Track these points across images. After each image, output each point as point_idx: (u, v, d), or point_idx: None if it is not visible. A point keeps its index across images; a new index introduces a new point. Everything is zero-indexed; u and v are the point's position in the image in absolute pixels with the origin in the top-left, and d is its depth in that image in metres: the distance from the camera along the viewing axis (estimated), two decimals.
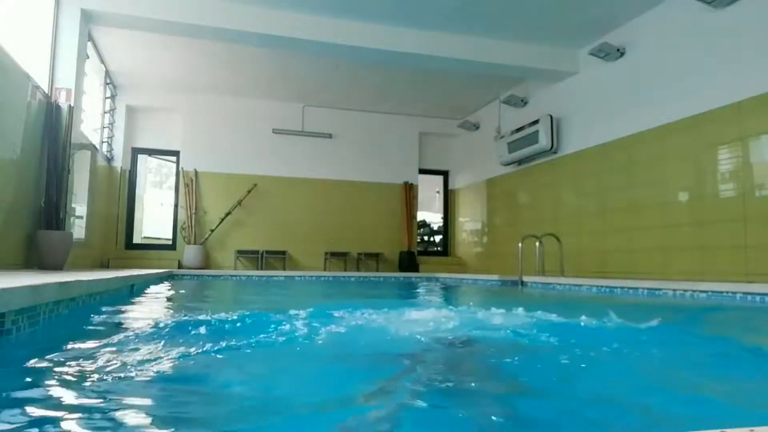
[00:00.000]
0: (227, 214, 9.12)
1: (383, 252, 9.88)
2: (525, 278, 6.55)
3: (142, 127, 9.20)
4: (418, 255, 10.31)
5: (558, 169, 7.49)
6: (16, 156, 4.63)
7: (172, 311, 3.39)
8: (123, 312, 3.14)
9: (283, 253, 9.30)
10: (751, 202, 4.71)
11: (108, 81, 8.20)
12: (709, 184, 5.13)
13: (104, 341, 2.04)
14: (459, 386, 1.49)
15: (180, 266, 8.78)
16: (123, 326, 2.53)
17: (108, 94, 8.28)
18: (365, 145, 10.11)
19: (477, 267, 9.76)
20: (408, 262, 9.76)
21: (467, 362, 1.87)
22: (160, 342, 2.12)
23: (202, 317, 3.16)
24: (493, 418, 1.15)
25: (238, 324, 2.97)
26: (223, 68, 8.08)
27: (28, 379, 1.40)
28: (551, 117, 7.43)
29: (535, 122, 7.61)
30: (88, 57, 6.41)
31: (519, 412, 1.21)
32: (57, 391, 1.30)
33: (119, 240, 8.85)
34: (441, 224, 11.21)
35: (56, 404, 1.18)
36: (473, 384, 1.53)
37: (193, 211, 9.02)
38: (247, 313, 3.56)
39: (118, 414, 1.09)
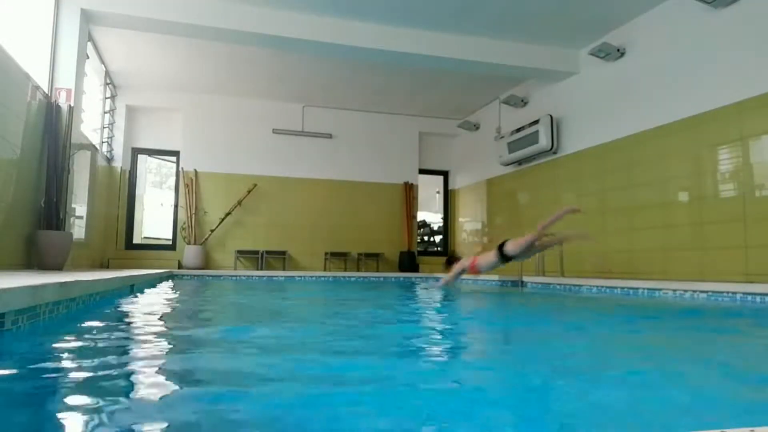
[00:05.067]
0: (227, 215, 9.12)
1: (383, 252, 9.88)
2: (525, 278, 6.55)
3: (142, 127, 9.20)
4: (418, 255, 10.32)
5: (558, 169, 7.49)
6: (16, 156, 4.63)
7: (171, 311, 3.39)
8: (123, 312, 3.14)
9: (283, 253, 9.30)
10: (751, 202, 4.71)
11: (108, 81, 8.20)
12: (709, 184, 5.13)
13: (104, 342, 2.04)
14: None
15: (180, 266, 8.78)
16: (123, 326, 2.53)
17: (108, 94, 8.28)
18: (365, 145, 10.11)
19: None
20: (408, 262, 9.76)
21: None
22: (159, 342, 2.12)
23: (200, 317, 3.16)
24: None
25: (238, 323, 2.97)
26: (223, 68, 8.08)
27: (28, 380, 1.40)
28: (551, 117, 7.42)
29: (535, 122, 7.61)
30: (88, 57, 6.41)
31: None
32: (56, 392, 1.30)
33: (119, 240, 8.85)
34: (441, 224, 11.21)
35: (56, 404, 1.18)
36: None
37: (193, 212, 9.01)
38: (247, 312, 3.56)
39: (117, 414, 1.09)
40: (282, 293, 5.64)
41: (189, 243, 8.86)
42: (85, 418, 1.06)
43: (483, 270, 5.20)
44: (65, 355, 1.78)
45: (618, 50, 6.29)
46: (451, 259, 5.69)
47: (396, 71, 7.96)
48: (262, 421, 1.10)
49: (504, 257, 4.93)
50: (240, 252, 9.06)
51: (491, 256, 5.00)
